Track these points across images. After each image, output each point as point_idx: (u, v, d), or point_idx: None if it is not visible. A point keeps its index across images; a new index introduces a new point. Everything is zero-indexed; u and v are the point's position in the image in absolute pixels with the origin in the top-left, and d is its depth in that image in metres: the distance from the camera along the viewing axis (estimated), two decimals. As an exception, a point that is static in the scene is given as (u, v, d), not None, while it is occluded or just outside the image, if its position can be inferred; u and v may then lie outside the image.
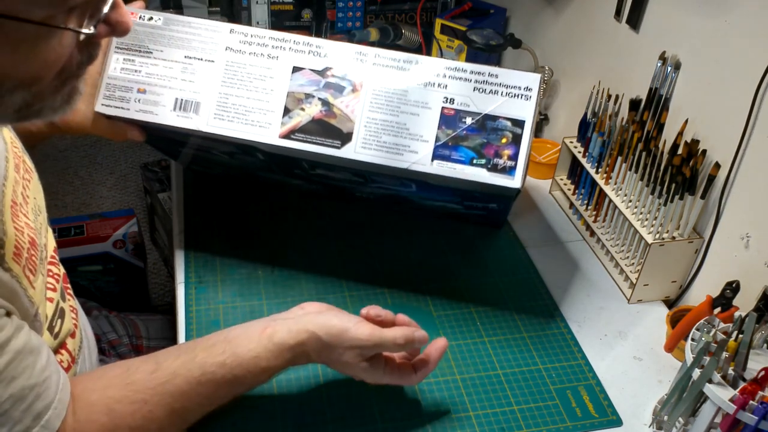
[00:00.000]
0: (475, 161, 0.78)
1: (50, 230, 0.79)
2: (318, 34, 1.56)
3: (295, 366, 0.74)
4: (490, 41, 1.33)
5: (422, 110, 0.78)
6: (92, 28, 0.53)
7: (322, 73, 0.79)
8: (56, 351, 0.73)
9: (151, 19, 0.83)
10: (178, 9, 1.39)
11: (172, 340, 0.95)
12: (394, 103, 0.78)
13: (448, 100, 0.78)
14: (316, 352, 0.73)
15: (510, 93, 0.77)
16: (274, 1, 1.49)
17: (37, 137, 0.85)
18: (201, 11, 1.40)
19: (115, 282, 1.67)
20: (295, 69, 0.80)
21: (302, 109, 0.79)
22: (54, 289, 0.73)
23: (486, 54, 1.45)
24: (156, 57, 0.82)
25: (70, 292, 0.82)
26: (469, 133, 0.78)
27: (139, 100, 0.82)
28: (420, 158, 0.78)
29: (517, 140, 0.77)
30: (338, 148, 0.79)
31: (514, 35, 1.36)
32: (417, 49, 1.54)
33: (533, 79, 0.78)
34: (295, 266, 1.00)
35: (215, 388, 0.70)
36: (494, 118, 0.78)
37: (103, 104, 0.82)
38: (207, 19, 0.83)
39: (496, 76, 0.78)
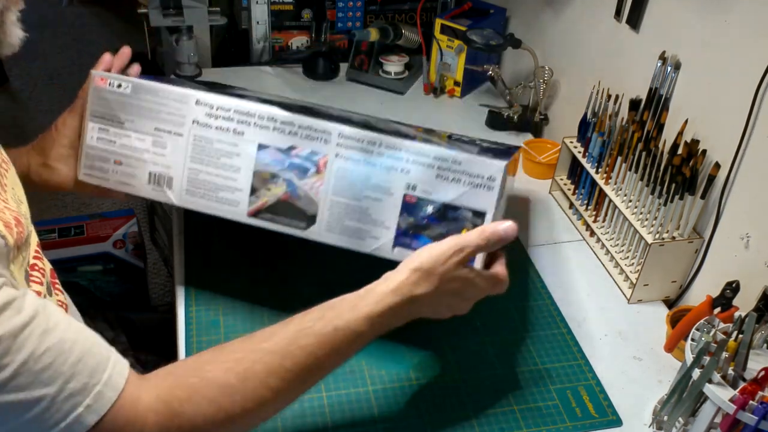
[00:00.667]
0: None
1: (32, 226, 0.78)
2: (318, 34, 1.56)
3: (400, 321, 0.71)
4: (490, 41, 1.33)
5: (385, 196, 0.77)
6: None
7: (287, 152, 0.79)
8: None
9: (119, 86, 0.84)
10: (178, 9, 1.39)
11: (172, 340, 0.95)
12: (357, 187, 0.78)
13: (410, 187, 0.76)
14: (423, 283, 0.70)
15: (472, 182, 0.75)
16: (274, 1, 1.49)
17: None
18: (201, 11, 1.40)
19: (115, 282, 1.67)
20: (261, 146, 0.79)
21: (268, 189, 0.80)
22: (40, 283, 0.71)
23: (486, 54, 1.45)
24: (128, 128, 0.83)
25: (59, 287, 0.81)
26: (430, 222, 0.77)
27: (116, 172, 0.85)
28: (382, 245, 0.78)
29: None
30: (303, 229, 0.79)
31: (514, 35, 1.36)
32: (417, 49, 1.54)
33: (497, 169, 0.74)
34: (297, 265, 1.00)
35: (315, 341, 0.66)
36: (455, 207, 0.76)
37: (85, 174, 0.86)
38: (174, 87, 0.83)
39: (460, 164, 0.75)
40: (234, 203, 0.81)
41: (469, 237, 0.71)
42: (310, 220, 0.79)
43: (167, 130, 0.82)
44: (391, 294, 0.69)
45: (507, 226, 0.73)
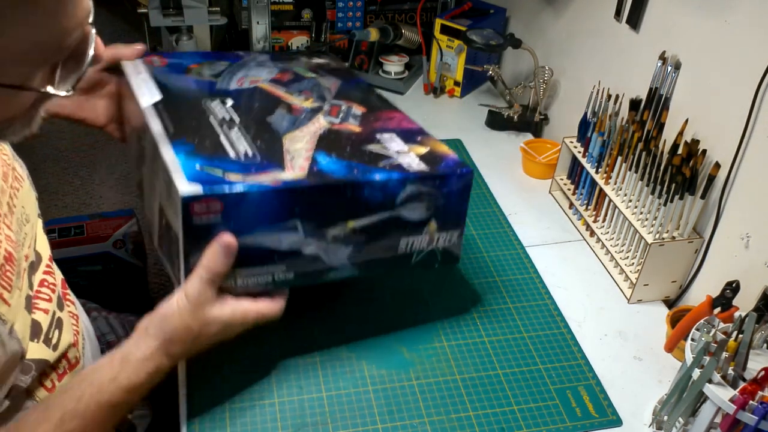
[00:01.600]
0: None
1: (44, 237, 0.77)
2: (318, 34, 1.56)
3: (163, 372, 0.71)
4: (490, 41, 1.33)
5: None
6: (68, 89, 0.55)
7: None
8: (57, 362, 0.72)
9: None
10: (178, 9, 1.39)
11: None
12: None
13: None
14: (177, 343, 0.69)
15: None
16: (274, 1, 1.49)
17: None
18: (201, 11, 1.40)
19: (115, 282, 1.66)
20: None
21: None
22: (49, 300, 0.72)
23: (486, 54, 1.45)
24: None
25: (70, 297, 0.81)
26: None
27: None
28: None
29: None
30: None
31: (514, 35, 1.36)
32: (417, 49, 1.54)
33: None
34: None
35: (82, 423, 0.66)
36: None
37: None
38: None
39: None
40: None
41: (195, 285, 0.69)
42: None
43: None
44: (147, 361, 0.69)
45: (218, 250, 0.69)
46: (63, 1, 0.50)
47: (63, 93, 0.55)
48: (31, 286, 0.70)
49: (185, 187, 0.67)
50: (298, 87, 0.98)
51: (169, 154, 0.72)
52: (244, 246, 0.71)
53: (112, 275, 1.65)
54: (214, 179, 0.70)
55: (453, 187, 0.81)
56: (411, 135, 0.88)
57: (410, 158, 0.81)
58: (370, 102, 0.96)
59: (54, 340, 0.71)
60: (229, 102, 0.89)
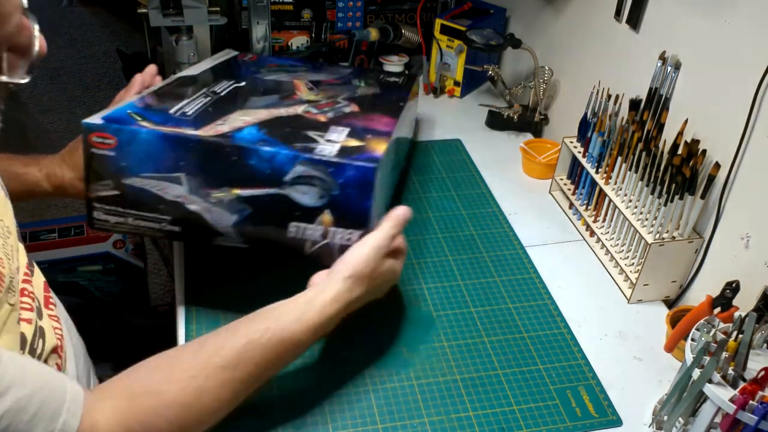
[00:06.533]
0: None
1: (21, 247, 0.77)
2: (318, 34, 1.56)
3: (337, 322, 0.76)
4: (490, 41, 1.33)
5: None
6: (22, 76, 0.57)
7: None
8: None
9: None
10: (178, 9, 1.39)
11: (172, 340, 0.95)
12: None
13: None
14: (356, 288, 0.76)
15: None
16: (274, 1, 1.49)
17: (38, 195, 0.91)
18: (201, 11, 1.40)
19: (115, 282, 1.67)
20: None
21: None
22: (30, 309, 0.71)
23: (486, 54, 1.45)
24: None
25: (53, 300, 0.80)
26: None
27: None
28: None
29: None
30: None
31: (514, 35, 1.36)
32: (417, 49, 1.54)
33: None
34: (296, 266, 1.00)
35: (263, 353, 0.70)
36: None
37: None
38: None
39: None
40: None
41: (385, 231, 0.79)
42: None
43: None
44: (331, 303, 0.74)
45: (405, 209, 0.82)
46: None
47: (19, 80, 0.57)
48: (10, 303, 0.69)
49: (90, 118, 0.77)
50: (329, 88, 1.05)
51: (127, 102, 0.86)
52: (133, 186, 0.79)
53: (112, 275, 1.65)
54: (122, 119, 0.79)
55: (349, 178, 0.77)
56: (366, 132, 0.88)
57: (331, 147, 0.80)
58: (379, 108, 0.99)
59: (38, 350, 0.70)
60: (242, 83, 1.00)
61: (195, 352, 0.69)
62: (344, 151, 0.80)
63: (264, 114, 0.88)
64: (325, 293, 0.74)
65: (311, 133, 0.84)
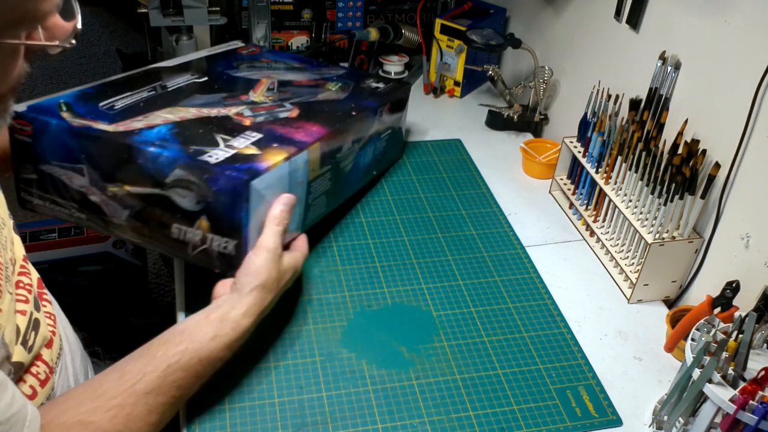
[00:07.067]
0: None
1: (17, 239, 0.77)
2: (318, 34, 1.56)
3: (254, 328, 0.78)
4: (490, 41, 1.33)
5: None
6: (53, 40, 0.58)
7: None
8: (31, 364, 0.71)
9: None
10: (178, 9, 1.39)
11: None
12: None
13: None
14: (267, 295, 0.78)
15: None
16: (274, 1, 1.49)
17: None
18: (201, 11, 1.40)
19: (115, 282, 1.67)
20: None
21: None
22: (26, 301, 0.71)
23: (486, 54, 1.45)
24: None
25: (47, 297, 0.80)
26: None
27: None
28: None
29: None
30: None
31: (514, 35, 1.36)
32: (417, 49, 1.54)
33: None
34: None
35: (184, 375, 0.71)
36: None
37: None
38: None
39: None
40: None
41: (271, 231, 0.80)
42: None
43: None
44: (243, 317, 0.76)
45: (285, 199, 0.83)
46: None
47: (66, 45, 0.59)
48: (11, 292, 0.69)
49: (20, 104, 0.82)
50: (293, 90, 1.07)
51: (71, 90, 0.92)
52: (46, 173, 0.85)
53: (112, 275, 1.65)
54: (47, 108, 0.85)
55: (222, 187, 0.77)
56: (280, 141, 0.88)
57: (225, 154, 0.81)
58: (321, 115, 0.98)
59: (30, 342, 0.70)
60: (203, 79, 1.05)
61: (118, 380, 0.68)
62: (234, 158, 0.80)
63: (192, 113, 0.91)
64: (236, 309, 0.75)
65: (219, 137, 0.85)
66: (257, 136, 0.88)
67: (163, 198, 0.80)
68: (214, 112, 0.93)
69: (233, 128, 0.89)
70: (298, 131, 0.91)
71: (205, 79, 1.04)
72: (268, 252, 0.79)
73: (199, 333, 0.73)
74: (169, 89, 0.98)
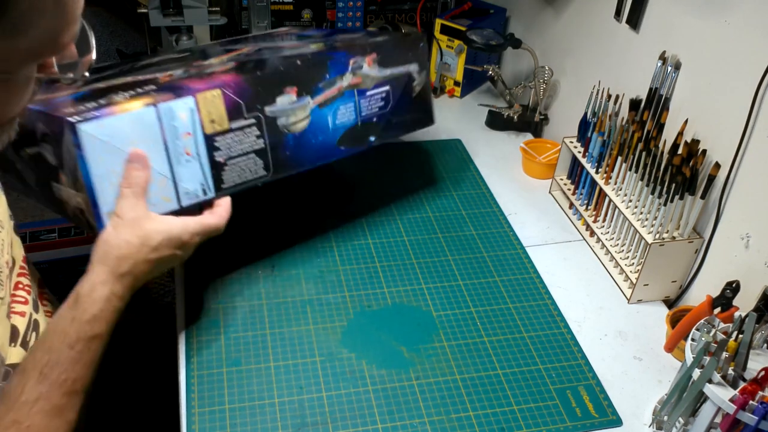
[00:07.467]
0: None
1: (17, 240, 0.77)
2: (318, 34, 1.55)
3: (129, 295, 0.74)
4: (490, 41, 1.33)
5: None
6: (66, 73, 0.57)
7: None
8: None
9: None
10: (178, 9, 1.39)
11: (172, 340, 0.95)
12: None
13: None
14: (120, 261, 0.71)
15: None
16: (274, 1, 1.49)
17: None
18: (201, 11, 1.40)
19: (115, 282, 1.66)
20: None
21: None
22: (25, 302, 0.71)
23: (486, 54, 1.45)
24: None
25: (48, 296, 0.80)
26: None
27: None
28: None
29: None
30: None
31: (514, 35, 1.36)
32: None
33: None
34: (296, 266, 1.01)
35: (62, 368, 0.66)
36: None
37: None
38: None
39: None
40: None
41: (123, 202, 0.72)
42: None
43: None
44: (98, 288, 0.69)
45: (132, 157, 0.73)
46: (78, 3, 0.53)
47: (79, 78, 0.59)
48: (2, 297, 0.70)
49: None
50: (263, 54, 1.03)
51: None
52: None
53: (112, 275, 1.65)
54: None
55: (55, 132, 0.72)
56: (166, 91, 0.80)
57: (93, 106, 0.75)
58: (249, 70, 0.90)
59: (30, 342, 0.70)
60: (185, 54, 1.03)
61: (3, 399, 0.65)
62: (88, 108, 0.73)
63: (126, 80, 0.87)
64: (88, 282, 0.70)
65: (118, 96, 0.78)
66: (151, 88, 0.80)
67: (40, 155, 0.76)
68: (148, 77, 0.87)
69: (138, 87, 0.82)
70: (201, 82, 0.81)
71: (188, 54, 1.02)
72: (113, 218, 0.72)
73: (61, 322, 0.68)
74: (138, 65, 0.96)
